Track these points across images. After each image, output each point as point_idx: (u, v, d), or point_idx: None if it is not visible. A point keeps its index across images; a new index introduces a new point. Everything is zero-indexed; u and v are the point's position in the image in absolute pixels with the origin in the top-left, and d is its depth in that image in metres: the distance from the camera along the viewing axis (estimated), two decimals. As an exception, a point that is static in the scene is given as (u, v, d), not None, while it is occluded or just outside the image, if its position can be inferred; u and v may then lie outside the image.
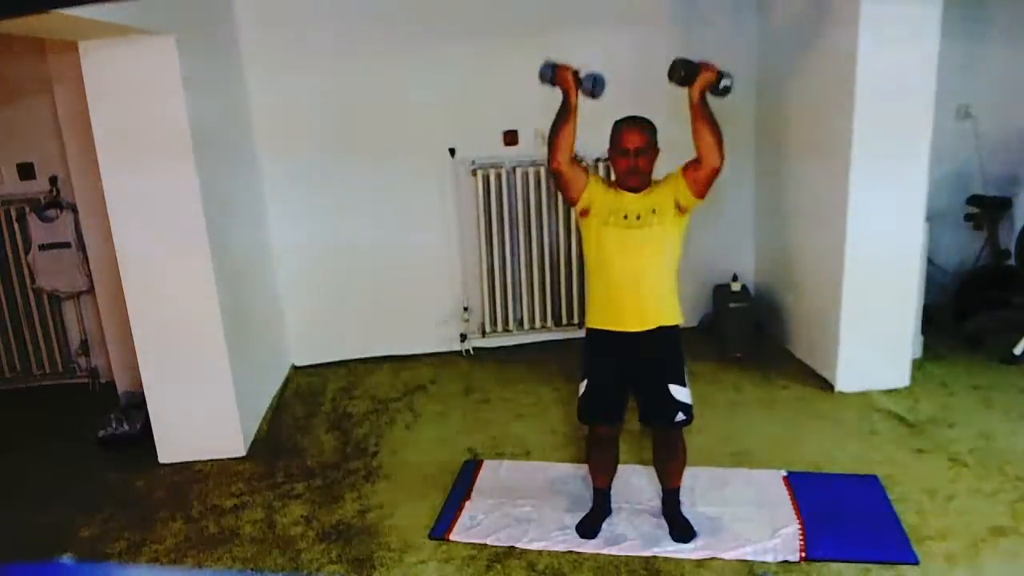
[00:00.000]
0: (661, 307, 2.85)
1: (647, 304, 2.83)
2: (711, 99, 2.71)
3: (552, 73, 2.78)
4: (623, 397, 2.99)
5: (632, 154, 2.77)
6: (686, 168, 2.77)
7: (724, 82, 2.66)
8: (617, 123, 2.84)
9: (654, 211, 2.79)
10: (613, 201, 2.83)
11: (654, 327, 2.84)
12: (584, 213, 2.88)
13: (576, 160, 2.85)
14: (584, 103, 2.79)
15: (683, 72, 2.68)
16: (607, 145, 2.88)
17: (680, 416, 2.90)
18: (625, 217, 2.80)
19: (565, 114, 2.77)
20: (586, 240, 2.95)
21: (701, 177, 2.74)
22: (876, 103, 3.78)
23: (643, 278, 2.82)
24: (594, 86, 2.74)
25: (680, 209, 2.80)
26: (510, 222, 4.80)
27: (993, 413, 3.88)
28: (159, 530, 3.31)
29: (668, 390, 2.88)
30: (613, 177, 2.94)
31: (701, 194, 2.77)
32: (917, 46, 3.75)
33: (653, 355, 2.88)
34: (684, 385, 2.91)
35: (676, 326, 2.89)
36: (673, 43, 4.68)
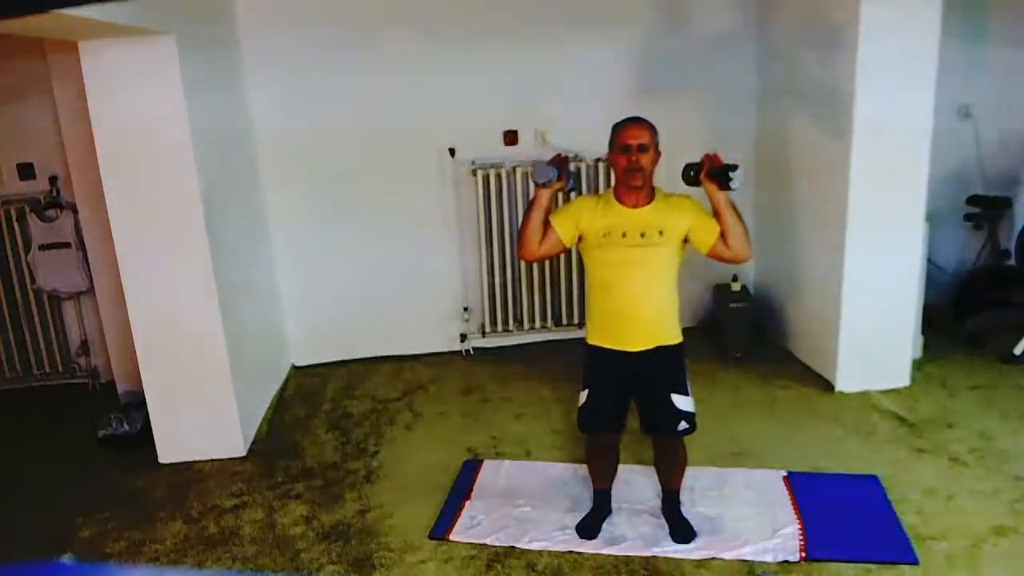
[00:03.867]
0: (662, 328, 2.83)
1: (648, 325, 2.81)
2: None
3: (560, 167, 2.76)
4: (624, 406, 2.96)
5: (634, 149, 2.71)
6: (720, 235, 2.74)
7: (731, 174, 2.65)
8: (617, 123, 2.81)
9: (661, 232, 2.74)
10: (608, 217, 2.77)
11: (653, 347, 2.82)
12: (579, 239, 2.85)
13: (547, 235, 2.81)
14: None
15: (691, 171, 2.73)
16: (607, 149, 2.87)
17: (683, 425, 2.89)
18: (624, 235, 2.74)
19: (541, 212, 2.77)
20: (584, 258, 2.93)
21: (725, 257, 2.77)
22: (876, 103, 3.78)
23: (644, 299, 2.79)
24: (574, 182, 2.90)
25: (686, 242, 2.80)
26: (510, 222, 4.79)
27: (993, 413, 3.88)
28: (159, 530, 3.31)
29: (670, 399, 2.86)
30: (612, 182, 2.92)
31: (709, 255, 2.79)
32: (917, 46, 3.75)
33: (654, 369, 2.86)
34: (686, 394, 2.88)
35: (678, 344, 2.87)
36: (673, 42, 4.69)
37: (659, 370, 2.87)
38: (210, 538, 3.24)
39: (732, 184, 2.65)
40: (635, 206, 2.78)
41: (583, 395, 2.96)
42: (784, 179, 4.64)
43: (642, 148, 2.72)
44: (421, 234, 4.85)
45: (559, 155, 2.85)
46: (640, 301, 2.79)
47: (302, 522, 3.31)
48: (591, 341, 2.92)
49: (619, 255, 2.77)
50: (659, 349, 2.83)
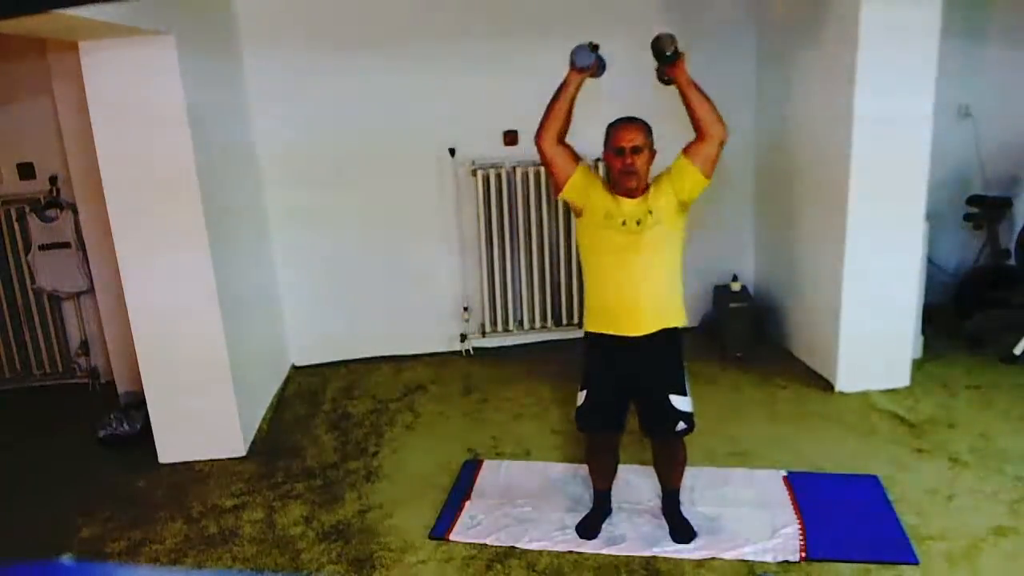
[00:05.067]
0: (662, 310, 2.81)
1: (647, 308, 2.79)
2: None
3: (595, 58, 2.71)
4: (623, 407, 2.96)
5: (627, 152, 2.71)
6: (688, 151, 2.71)
7: (662, 46, 2.61)
8: (611, 124, 2.80)
9: (651, 212, 2.73)
10: (610, 205, 2.77)
11: (655, 331, 2.80)
12: (578, 213, 2.83)
13: (568, 147, 2.81)
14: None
15: (658, 73, 2.76)
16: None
17: (681, 425, 2.88)
18: (623, 223, 2.74)
19: (569, 97, 2.74)
20: (581, 242, 2.91)
21: (710, 153, 2.69)
22: (876, 103, 3.78)
23: (643, 283, 2.77)
24: (602, 69, 2.84)
25: (681, 205, 2.76)
26: (510, 222, 4.79)
27: (993, 413, 3.88)
28: (159, 530, 3.31)
29: (669, 400, 2.85)
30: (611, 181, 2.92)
31: (709, 172, 2.73)
32: (917, 46, 3.75)
33: (653, 362, 2.85)
34: (685, 394, 2.88)
35: (677, 329, 2.85)
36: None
37: (658, 365, 2.86)
38: (210, 538, 3.24)
39: (667, 53, 2.63)
40: (630, 197, 2.78)
41: (582, 395, 2.96)
42: (784, 179, 4.64)
43: (636, 150, 2.72)
44: (421, 234, 4.85)
45: (591, 43, 2.79)
46: (639, 284, 2.77)
47: (302, 522, 3.31)
48: (589, 329, 2.90)
49: (617, 240, 2.75)
50: (660, 334, 2.80)
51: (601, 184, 2.85)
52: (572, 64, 2.73)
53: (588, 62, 2.71)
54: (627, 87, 4.69)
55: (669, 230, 2.77)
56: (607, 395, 2.91)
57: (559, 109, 2.75)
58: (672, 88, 2.77)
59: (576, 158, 2.83)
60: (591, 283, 2.90)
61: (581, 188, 2.79)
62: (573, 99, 2.76)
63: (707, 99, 2.69)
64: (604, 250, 2.80)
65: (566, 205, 3.15)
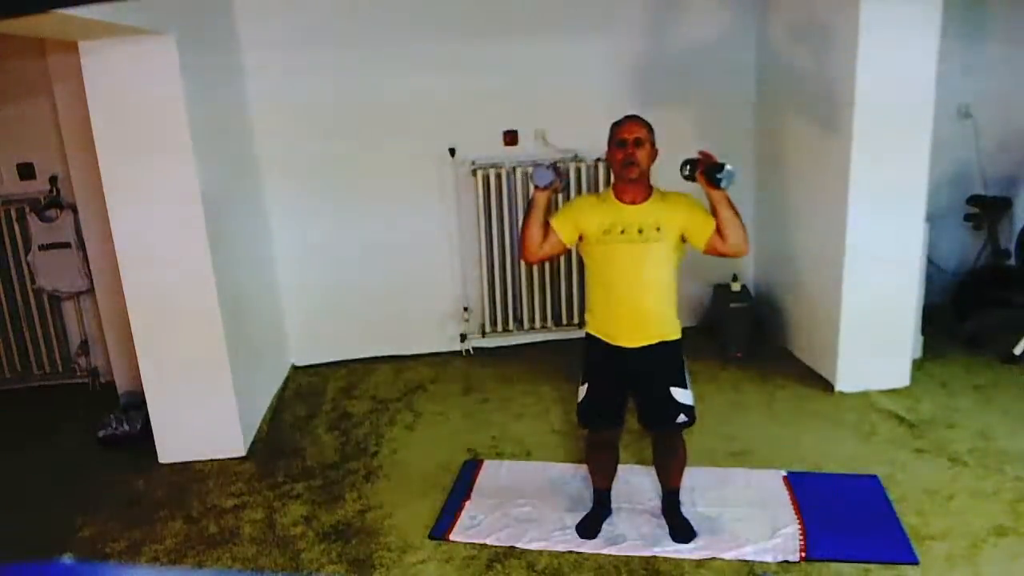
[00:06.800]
0: (662, 323, 2.84)
1: (648, 321, 2.82)
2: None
3: (555, 174, 2.76)
4: (623, 401, 2.97)
5: (630, 143, 2.75)
6: (713, 232, 2.75)
7: (718, 175, 2.65)
8: (615, 122, 2.85)
9: (658, 228, 2.76)
10: (608, 215, 2.79)
11: (654, 342, 2.83)
12: (579, 239, 2.87)
13: (548, 235, 2.83)
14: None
15: (687, 167, 2.77)
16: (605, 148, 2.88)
17: (682, 417, 2.89)
18: (623, 232, 2.76)
19: (540, 215, 2.79)
20: (585, 257, 2.94)
21: (721, 251, 2.77)
22: (876, 103, 3.78)
23: (645, 295, 2.80)
24: (564, 180, 2.88)
25: (683, 239, 2.82)
26: (510, 222, 4.79)
27: (993, 413, 3.88)
28: (159, 530, 3.31)
29: (669, 392, 2.87)
30: (612, 180, 2.93)
31: (705, 252, 2.80)
32: (917, 46, 3.75)
33: (653, 364, 2.87)
34: (685, 387, 2.90)
35: (676, 340, 2.88)
36: (672, 41, 4.69)
37: (657, 366, 2.88)
38: (210, 538, 3.24)
39: (721, 184, 2.67)
40: (633, 203, 2.80)
41: (582, 390, 2.97)
42: (784, 178, 4.64)
43: (638, 143, 2.76)
44: (421, 234, 4.85)
45: (550, 163, 2.88)
46: (639, 297, 2.80)
47: (302, 522, 3.31)
48: (590, 331, 2.93)
49: (618, 252, 2.78)
50: (658, 345, 2.83)
51: (590, 202, 2.90)
52: (535, 185, 2.79)
53: (549, 180, 2.75)
54: (625, 88, 4.72)
55: (670, 248, 2.81)
56: (608, 389, 2.93)
57: (533, 230, 2.81)
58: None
59: (549, 230, 2.84)
60: (594, 290, 2.94)
61: (572, 227, 2.84)
62: (545, 213, 2.82)
63: (734, 216, 2.73)
64: (607, 263, 2.83)
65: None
